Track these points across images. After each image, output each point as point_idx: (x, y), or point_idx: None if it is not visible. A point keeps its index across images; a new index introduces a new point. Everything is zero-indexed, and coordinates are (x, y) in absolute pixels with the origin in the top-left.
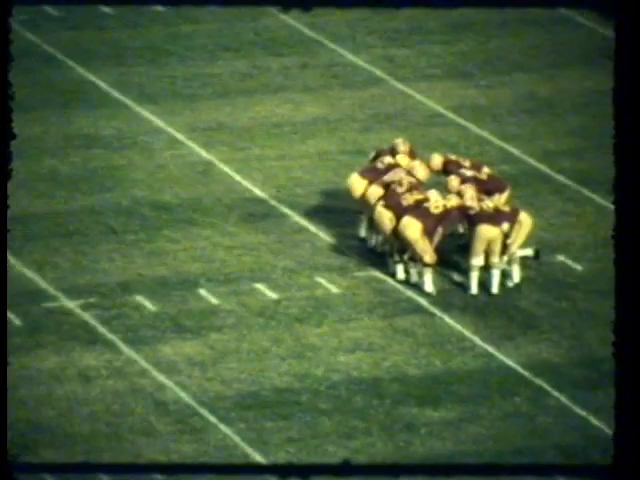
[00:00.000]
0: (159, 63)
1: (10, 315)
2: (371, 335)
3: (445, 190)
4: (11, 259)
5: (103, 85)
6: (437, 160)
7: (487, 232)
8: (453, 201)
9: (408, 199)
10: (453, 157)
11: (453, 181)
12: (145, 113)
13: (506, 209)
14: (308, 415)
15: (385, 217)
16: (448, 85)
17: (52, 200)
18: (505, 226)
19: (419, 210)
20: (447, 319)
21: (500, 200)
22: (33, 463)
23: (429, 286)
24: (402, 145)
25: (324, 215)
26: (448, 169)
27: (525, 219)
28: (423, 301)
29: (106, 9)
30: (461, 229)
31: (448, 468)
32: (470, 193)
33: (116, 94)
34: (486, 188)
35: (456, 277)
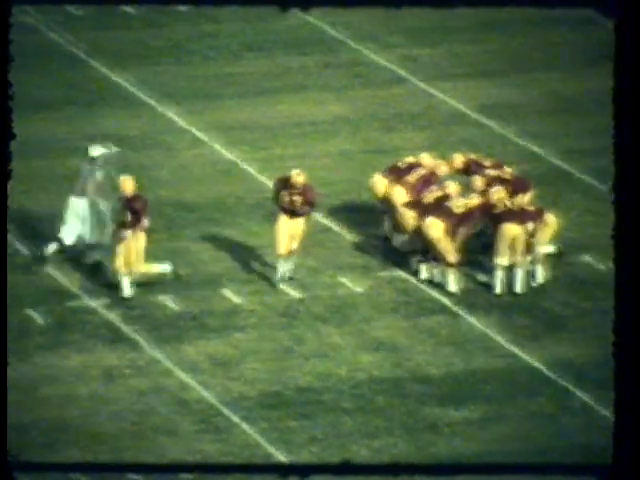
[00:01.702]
0: (183, 62)
1: (34, 314)
2: (394, 335)
3: (469, 190)
4: None
5: (127, 85)
6: (459, 160)
7: (511, 231)
8: (475, 200)
9: (428, 197)
10: (475, 157)
11: (478, 181)
12: (169, 113)
13: (531, 208)
14: (331, 415)
15: (407, 216)
16: (471, 84)
17: None
18: (530, 225)
19: (441, 210)
20: (471, 319)
21: (524, 200)
22: (33, 463)
23: (453, 286)
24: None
25: (347, 214)
26: (470, 169)
27: (550, 219)
28: (447, 301)
29: (130, 9)
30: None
31: (448, 468)
32: (500, 194)
33: (140, 94)
34: (510, 188)
35: (480, 277)
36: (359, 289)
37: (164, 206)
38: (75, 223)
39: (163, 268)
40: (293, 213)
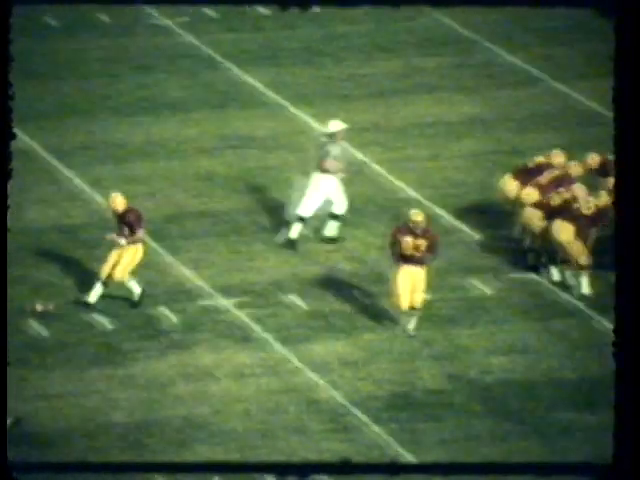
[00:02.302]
0: (314, 63)
1: (167, 312)
2: (526, 337)
3: (598, 190)
4: (168, 257)
5: (259, 86)
6: (595, 160)
7: None
8: (604, 199)
9: (555, 199)
10: (611, 157)
11: (612, 182)
12: (300, 114)
13: None
14: (461, 417)
15: (535, 217)
16: (607, 84)
17: (208, 199)
18: None
19: (570, 212)
20: (604, 322)
21: None
22: (33, 463)
23: (585, 288)
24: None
25: (478, 215)
26: (605, 169)
27: None
28: (579, 303)
29: (264, 10)
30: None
31: (449, 468)
32: None
33: (272, 95)
34: None
35: (614, 279)
36: (489, 291)
37: None
38: (315, 197)
39: (135, 289)
40: (417, 261)
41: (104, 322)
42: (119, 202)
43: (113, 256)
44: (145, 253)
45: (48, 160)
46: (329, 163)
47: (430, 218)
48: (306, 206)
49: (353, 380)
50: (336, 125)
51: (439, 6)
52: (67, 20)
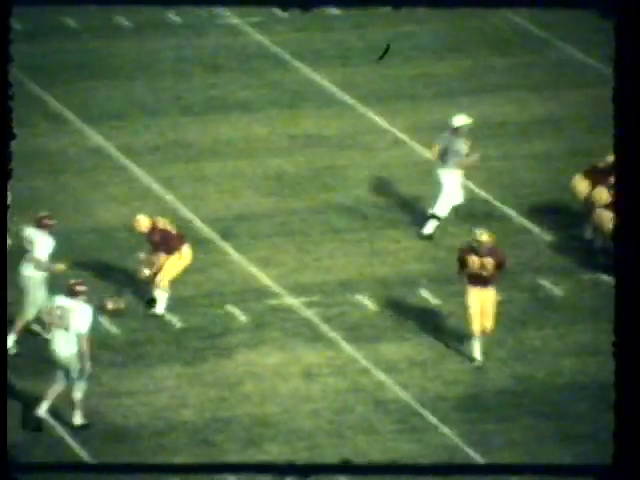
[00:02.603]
0: (384, 63)
1: (236, 311)
2: (597, 339)
3: None
4: (237, 256)
5: (328, 85)
6: None
7: None
8: None
9: None
10: None
11: None
12: (369, 113)
13: None
14: (530, 418)
15: (606, 218)
16: None
17: (277, 199)
18: None
19: None
20: None
21: None
22: (33, 463)
23: None
24: None
25: (548, 216)
26: None
27: None
28: None
29: (334, 10)
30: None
31: (449, 468)
32: None
33: (341, 94)
34: None
35: None
36: (559, 292)
37: (362, 206)
38: (449, 195)
39: (160, 303)
40: (485, 282)
41: (173, 320)
42: (142, 224)
43: (164, 262)
44: (195, 259)
45: (119, 159)
46: (453, 158)
47: (500, 219)
48: (440, 205)
49: (422, 380)
50: (461, 120)
51: (439, 7)
52: (138, 20)
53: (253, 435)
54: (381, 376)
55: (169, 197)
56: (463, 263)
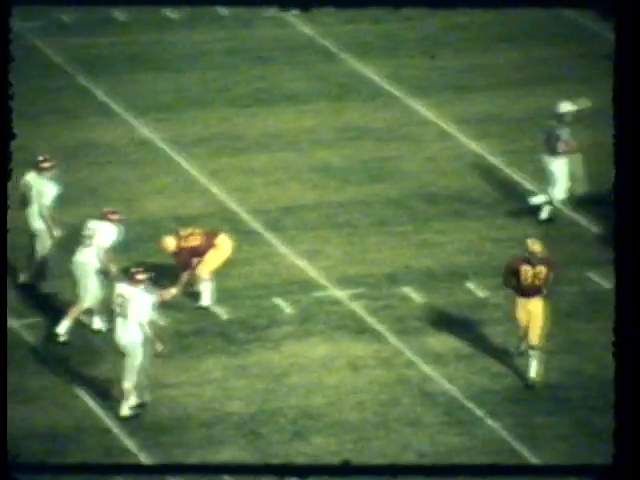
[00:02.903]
0: (432, 55)
1: (282, 303)
2: None
3: None
4: (283, 248)
5: (376, 77)
6: None
7: None
8: None
9: None
10: None
11: None
12: (416, 105)
13: None
14: (579, 412)
15: None
16: None
17: (324, 191)
18: None
19: None
20: None
21: None
22: (33, 463)
23: None
24: None
25: (597, 208)
26: None
27: None
28: None
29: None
30: None
31: (448, 468)
32: None
33: (388, 86)
34: None
35: None
36: (608, 284)
37: (408, 198)
38: (564, 180)
39: (205, 295)
40: (536, 292)
41: (220, 312)
42: (169, 245)
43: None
44: (242, 251)
45: (166, 151)
46: (560, 145)
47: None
48: (557, 190)
49: (468, 373)
50: (566, 106)
51: (439, 7)
52: (187, 13)
53: (299, 427)
54: (427, 369)
55: (216, 189)
56: (515, 275)
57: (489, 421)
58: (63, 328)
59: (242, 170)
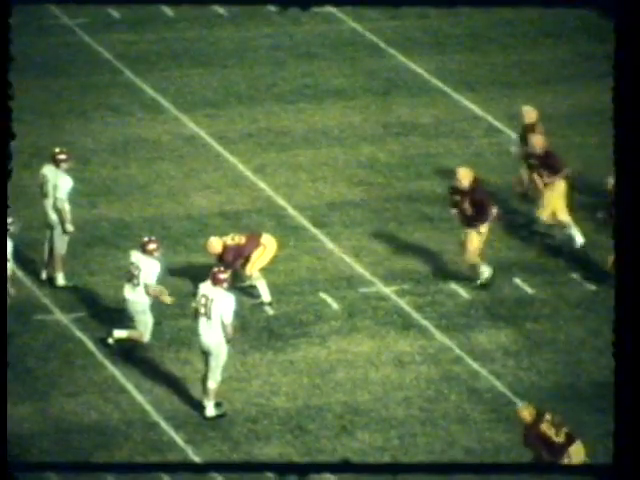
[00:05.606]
0: (479, 50)
1: (328, 298)
2: None
3: None
4: (329, 244)
5: (423, 73)
6: None
7: None
8: None
9: None
10: None
11: None
12: (464, 101)
13: None
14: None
15: None
16: None
17: (369, 187)
18: None
19: None
20: None
21: None
22: (33, 463)
23: None
24: None
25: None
26: None
27: None
28: None
29: None
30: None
31: (447, 467)
32: None
33: (435, 82)
34: None
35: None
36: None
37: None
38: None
39: (263, 295)
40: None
41: (266, 307)
42: (215, 246)
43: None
44: (287, 247)
45: (213, 147)
46: None
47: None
48: None
49: (516, 370)
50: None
51: (440, 6)
52: (235, 9)
53: (345, 422)
54: (474, 365)
55: (262, 185)
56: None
57: None
58: (116, 336)
59: (288, 166)
